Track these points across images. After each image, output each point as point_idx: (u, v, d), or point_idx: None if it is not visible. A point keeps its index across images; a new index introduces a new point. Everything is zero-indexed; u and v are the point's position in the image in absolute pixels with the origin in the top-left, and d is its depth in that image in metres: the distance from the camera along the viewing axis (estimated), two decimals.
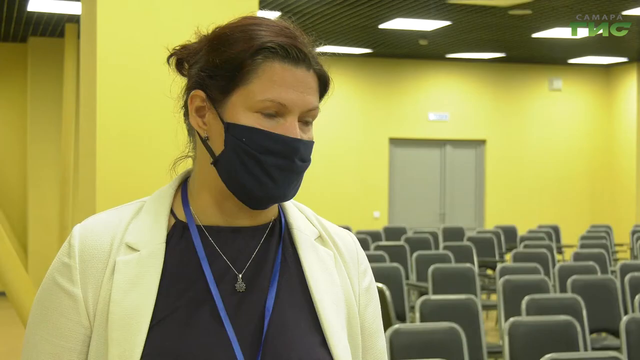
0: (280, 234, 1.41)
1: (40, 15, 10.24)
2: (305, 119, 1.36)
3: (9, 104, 12.36)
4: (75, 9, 9.21)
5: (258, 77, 1.31)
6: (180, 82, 1.42)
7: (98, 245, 1.34)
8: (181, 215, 1.38)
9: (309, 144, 1.35)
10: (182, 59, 1.40)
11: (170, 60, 1.41)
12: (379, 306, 1.48)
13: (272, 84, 1.31)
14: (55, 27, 10.94)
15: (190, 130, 1.41)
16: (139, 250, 1.33)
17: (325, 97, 1.40)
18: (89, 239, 1.34)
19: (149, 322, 1.28)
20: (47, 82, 11.52)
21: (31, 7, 9.58)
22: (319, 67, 1.37)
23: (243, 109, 1.32)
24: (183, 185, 1.42)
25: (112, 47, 3.75)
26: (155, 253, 1.33)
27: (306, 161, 1.35)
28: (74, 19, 10.18)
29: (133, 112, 3.77)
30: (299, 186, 1.36)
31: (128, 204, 1.41)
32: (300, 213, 1.46)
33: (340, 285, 1.41)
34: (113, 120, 3.74)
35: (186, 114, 1.40)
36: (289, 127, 1.32)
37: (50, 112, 11.49)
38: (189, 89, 1.38)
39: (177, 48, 1.41)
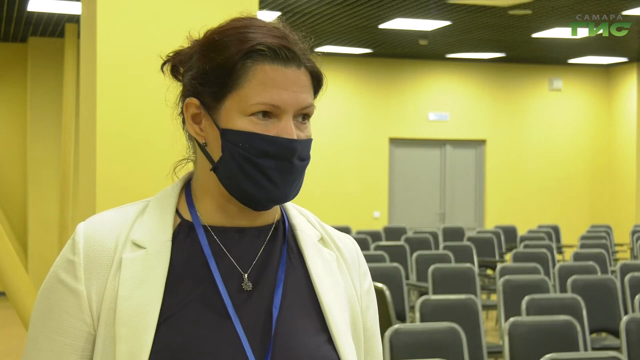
0: (284, 235, 1.42)
1: (40, 15, 10.23)
2: (302, 116, 1.35)
3: (9, 104, 12.35)
4: (75, 9, 9.21)
5: (249, 81, 1.32)
6: (176, 86, 1.43)
7: (103, 243, 1.34)
8: (187, 215, 1.39)
9: (307, 143, 1.35)
10: (176, 64, 1.41)
11: (165, 67, 1.42)
12: (377, 309, 1.50)
13: (264, 86, 1.31)
14: (55, 27, 10.94)
15: (190, 136, 1.42)
16: (145, 248, 1.33)
17: (320, 93, 1.40)
18: (94, 236, 1.34)
19: (156, 319, 1.29)
20: (47, 82, 11.52)
21: (31, 7, 9.58)
22: (310, 64, 1.36)
23: (237, 114, 1.32)
24: (187, 187, 1.43)
25: (112, 47, 3.74)
26: (161, 251, 1.34)
27: (305, 159, 1.35)
28: (74, 19, 10.18)
29: (133, 112, 3.76)
30: (300, 185, 1.37)
31: (132, 204, 1.41)
32: (302, 216, 1.47)
33: (344, 287, 1.42)
34: (113, 120, 3.74)
35: (184, 121, 1.41)
36: (284, 128, 1.32)
37: (50, 112, 11.49)
38: (183, 96, 1.39)
39: (170, 55, 1.42)
